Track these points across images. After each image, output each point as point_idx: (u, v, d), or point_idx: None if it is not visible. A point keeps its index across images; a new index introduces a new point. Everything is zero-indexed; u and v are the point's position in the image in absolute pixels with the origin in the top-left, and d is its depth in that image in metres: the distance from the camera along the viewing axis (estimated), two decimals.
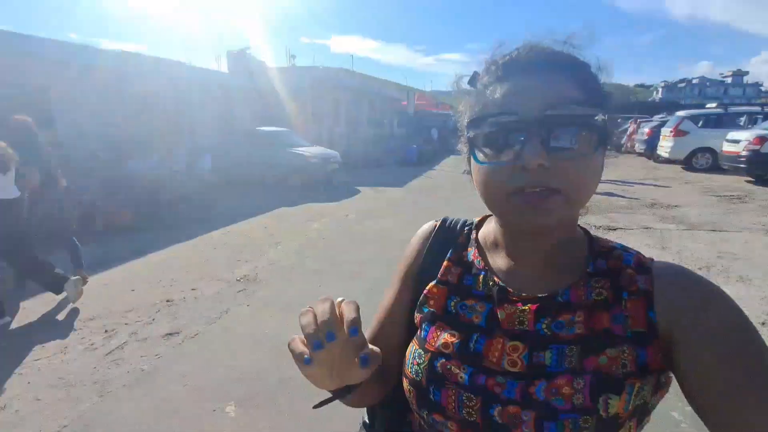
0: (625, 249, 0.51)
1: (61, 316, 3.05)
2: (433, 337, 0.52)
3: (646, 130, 13.19)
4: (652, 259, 0.49)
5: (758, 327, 2.43)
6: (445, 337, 0.52)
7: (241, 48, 16.66)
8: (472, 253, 0.57)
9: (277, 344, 2.61)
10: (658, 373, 0.45)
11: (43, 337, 2.75)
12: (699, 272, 2.87)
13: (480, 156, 0.46)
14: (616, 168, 11.50)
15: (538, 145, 0.41)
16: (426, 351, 0.52)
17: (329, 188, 8.76)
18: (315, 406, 0.48)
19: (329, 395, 0.47)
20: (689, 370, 0.42)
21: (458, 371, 0.48)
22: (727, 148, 8.93)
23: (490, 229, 0.58)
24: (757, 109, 11.08)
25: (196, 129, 10.30)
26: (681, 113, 11.39)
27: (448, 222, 0.63)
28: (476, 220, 0.62)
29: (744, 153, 8.22)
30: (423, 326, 0.55)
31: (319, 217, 6.13)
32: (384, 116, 24.14)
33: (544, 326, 0.48)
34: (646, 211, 6.07)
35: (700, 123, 10.80)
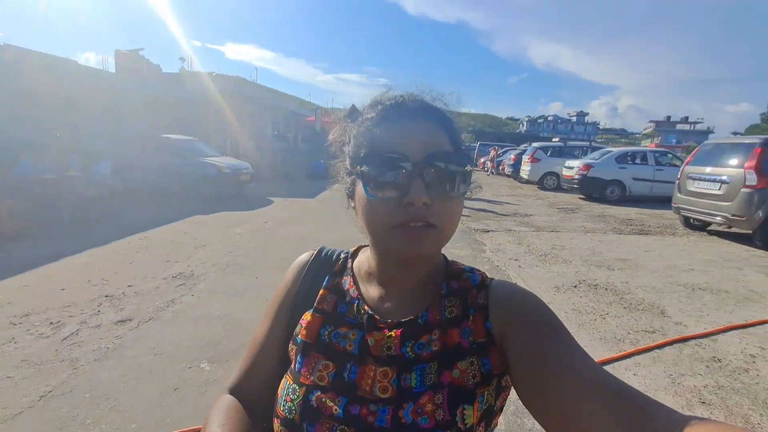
0: (472, 271, 0.59)
1: None
2: (308, 370, 0.54)
3: (512, 156, 16.16)
4: (492, 279, 0.57)
5: (571, 289, 3.82)
6: (320, 368, 0.53)
7: (133, 49, 15.51)
8: (347, 281, 0.60)
9: (230, 321, 3.09)
10: (499, 377, 0.51)
11: None
12: (539, 258, 4.34)
13: (371, 190, 0.49)
14: (490, 187, 13.88)
15: (422, 186, 0.47)
16: (301, 385, 0.52)
17: (241, 198, 8.94)
18: None
19: None
20: (516, 362, 0.48)
21: (333, 404, 0.50)
22: (565, 172, 11.69)
23: (364, 259, 0.61)
24: (587, 144, 14.59)
25: (86, 133, 9.45)
26: (535, 144, 14.40)
27: (324, 252, 0.66)
28: (351, 250, 0.66)
29: (576, 177, 10.91)
30: (297, 358, 0.55)
31: (239, 224, 6.44)
32: (288, 130, 24.35)
33: (408, 349, 0.52)
34: (510, 219, 7.82)
35: (549, 153, 13.80)
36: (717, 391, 2.36)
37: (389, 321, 0.54)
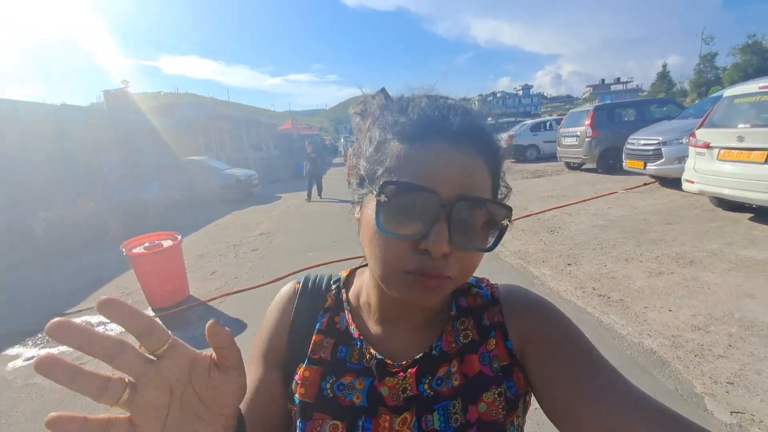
0: (479, 285, 0.54)
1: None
2: None
3: None
4: (497, 287, 0.54)
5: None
6: (327, 431, 0.47)
7: (119, 87, 17.54)
8: (345, 318, 0.53)
9: (302, 245, 6.01)
10: (524, 395, 0.49)
11: (198, 263, 5.57)
12: None
13: (383, 223, 0.41)
14: None
15: (446, 233, 0.39)
16: None
17: (256, 198, 11.70)
18: None
19: None
20: (539, 380, 0.46)
21: None
22: None
23: (360, 288, 0.55)
24: (513, 119, 18.19)
25: (113, 163, 11.80)
26: None
27: (311, 282, 0.58)
28: (343, 275, 0.58)
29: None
30: (298, 424, 0.48)
31: (270, 211, 9.29)
32: (261, 140, 26.74)
33: (426, 387, 0.47)
34: None
35: None
36: (531, 227, 5.59)
37: (403, 363, 0.48)
